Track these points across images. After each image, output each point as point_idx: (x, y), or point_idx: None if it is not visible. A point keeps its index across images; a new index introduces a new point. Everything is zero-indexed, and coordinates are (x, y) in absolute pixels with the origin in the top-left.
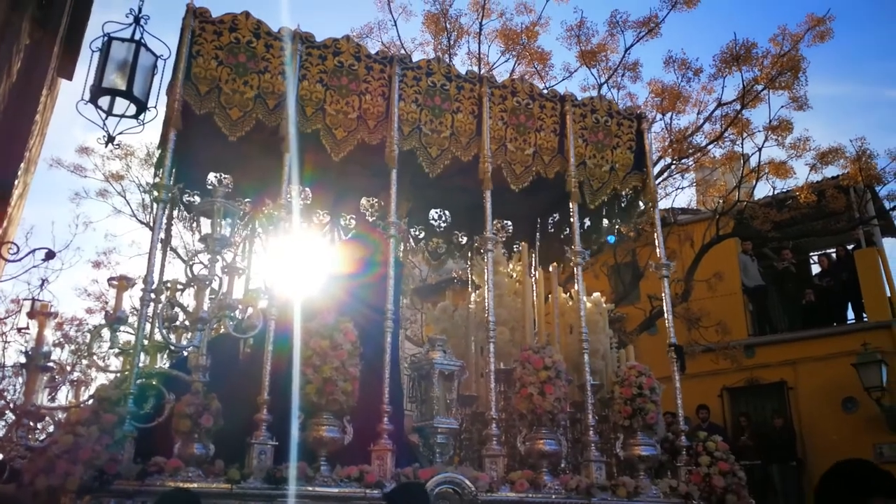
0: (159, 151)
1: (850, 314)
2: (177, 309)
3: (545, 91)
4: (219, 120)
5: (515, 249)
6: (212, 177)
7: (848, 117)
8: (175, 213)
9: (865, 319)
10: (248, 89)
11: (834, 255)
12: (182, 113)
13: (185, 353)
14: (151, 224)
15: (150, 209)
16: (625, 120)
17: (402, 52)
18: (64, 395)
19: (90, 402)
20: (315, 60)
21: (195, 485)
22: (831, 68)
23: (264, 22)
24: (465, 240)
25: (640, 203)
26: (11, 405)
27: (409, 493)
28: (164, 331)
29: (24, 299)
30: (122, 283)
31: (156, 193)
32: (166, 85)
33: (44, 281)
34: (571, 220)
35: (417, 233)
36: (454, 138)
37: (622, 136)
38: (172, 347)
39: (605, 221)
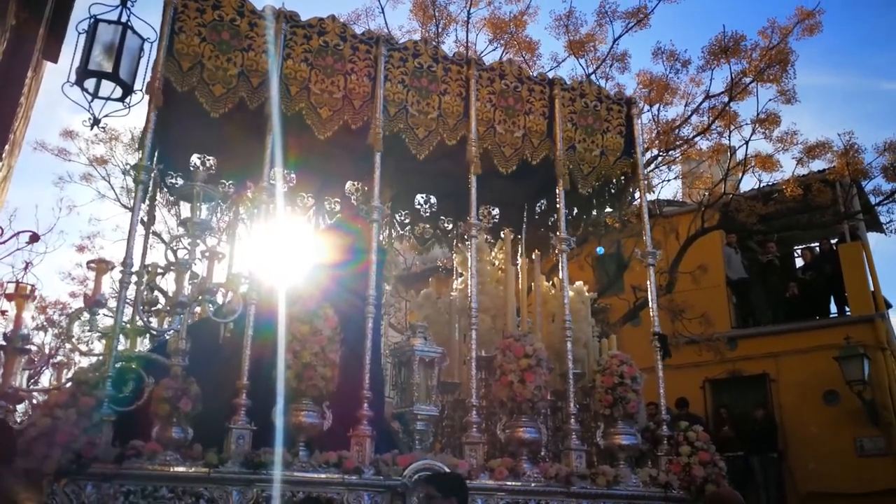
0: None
1: (833, 308)
2: (157, 293)
3: (534, 75)
4: (200, 96)
5: (502, 237)
6: (195, 159)
7: (837, 109)
8: (158, 196)
9: (848, 313)
10: (232, 66)
11: (817, 249)
12: (164, 93)
13: (166, 337)
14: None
15: (133, 193)
16: (614, 105)
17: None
18: (47, 379)
19: (68, 384)
20: (300, 40)
21: (172, 469)
22: (821, 59)
23: (248, 0)
24: (450, 226)
25: (630, 191)
26: None
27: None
28: (144, 314)
29: (7, 282)
30: (102, 266)
31: (135, 174)
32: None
33: (28, 264)
34: (558, 205)
35: (404, 218)
36: (441, 120)
37: (612, 120)
38: (152, 331)
39: (595, 210)
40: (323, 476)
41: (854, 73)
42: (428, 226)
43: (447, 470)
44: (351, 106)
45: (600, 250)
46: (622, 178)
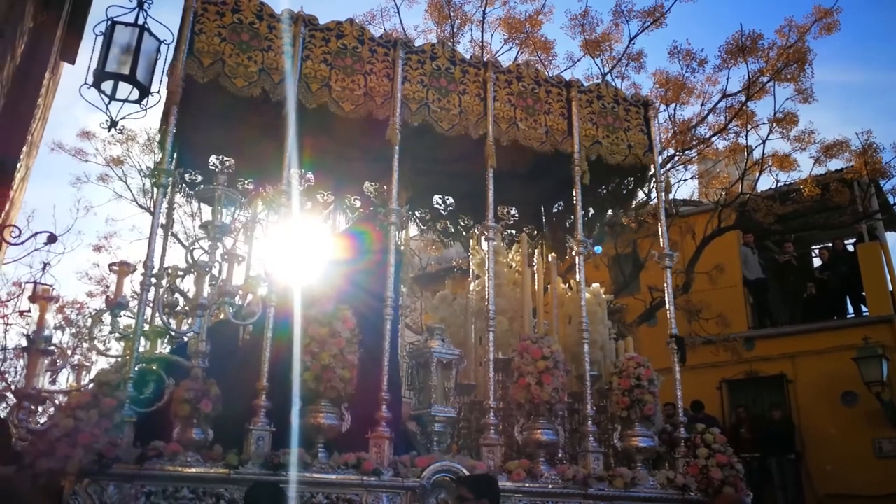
0: (162, 128)
1: (851, 308)
2: (177, 295)
3: (550, 76)
4: (223, 82)
5: (517, 238)
6: (213, 159)
7: (856, 105)
8: (176, 197)
9: (866, 313)
10: (252, 64)
11: (831, 248)
12: (184, 94)
13: (185, 339)
14: (152, 209)
15: (150, 194)
16: (632, 106)
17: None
18: (65, 379)
19: (90, 386)
20: (318, 42)
21: (193, 470)
22: (839, 55)
23: (267, 3)
24: (470, 223)
25: (643, 191)
26: (12, 388)
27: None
28: (165, 316)
29: (26, 282)
30: (123, 268)
31: (155, 177)
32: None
33: (45, 264)
34: (574, 205)
35: (423, 215)
36: (463, 116)
37: (631, 120)
38: (173, 333)
39: (610, 211)
40: (342, 477)
41: (873, 69)
42: (448, 223)
43: (469, 471)
44: (373, 101)
45: (598, 249)
46: (639, 179)
